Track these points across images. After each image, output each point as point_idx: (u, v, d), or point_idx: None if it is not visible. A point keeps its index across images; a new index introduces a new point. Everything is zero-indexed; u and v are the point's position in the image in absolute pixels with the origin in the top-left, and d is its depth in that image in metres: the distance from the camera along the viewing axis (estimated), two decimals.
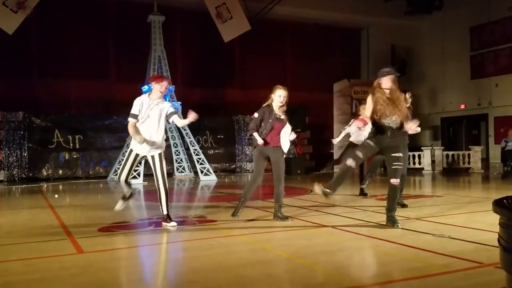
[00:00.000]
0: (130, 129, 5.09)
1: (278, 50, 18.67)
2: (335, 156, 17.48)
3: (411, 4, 18.47)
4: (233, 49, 17.51)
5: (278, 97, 5.39)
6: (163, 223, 5.22)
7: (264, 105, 5.48)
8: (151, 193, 9.24)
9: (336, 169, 7.86)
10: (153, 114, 5.12)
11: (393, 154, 4.85)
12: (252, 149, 5.53)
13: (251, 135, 5.45)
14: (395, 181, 4.86)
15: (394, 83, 4.82)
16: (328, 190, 4.77)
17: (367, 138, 4.91)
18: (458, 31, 18.07)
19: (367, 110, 4.88)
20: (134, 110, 5.11)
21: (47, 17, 14.74)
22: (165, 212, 5.21)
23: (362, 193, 7.60)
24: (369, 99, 4.87)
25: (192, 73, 17.21)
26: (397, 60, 19.35)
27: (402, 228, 4.77)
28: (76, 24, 15.14)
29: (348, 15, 18.19)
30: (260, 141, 5.31)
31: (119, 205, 5.43)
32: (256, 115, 5.44)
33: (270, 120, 5.34)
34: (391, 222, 4.88)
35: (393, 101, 4.78)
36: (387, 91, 4.80)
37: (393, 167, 4.85)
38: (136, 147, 5.18)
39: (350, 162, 4.77)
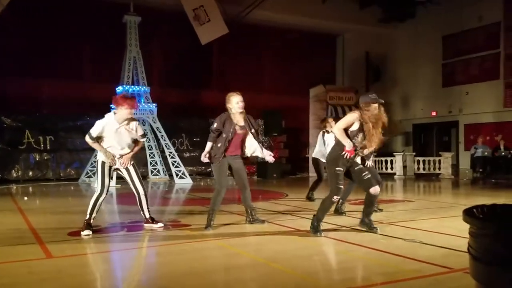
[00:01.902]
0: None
1: (255, 54, 18.70)
2: (311, 161, 17.58)
3: (385, 12, 18.80)
4: (210, 51, 17.42)
5: (236, 104, 5.19)
6: (148, 225, 5.35)
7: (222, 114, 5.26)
8: (123, 197, 9.11)
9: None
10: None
11: (356, 169, 4.85)
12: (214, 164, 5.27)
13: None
14: (374, 190, 4.77)
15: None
16: (318, 229, 4.80)
17: (334, 165, 4.74)
18: (431, 40, 18.49)
19: (343, 123, 4.71)
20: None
21: (20, 15, 14.34)
22: (147, 216, 5.37)
23: (339, 212, 6.93)
24: (356, 121, 4.67)
25: (168, 74, 17.05)
26: (371, 67, 19.66)
27: (374, 233, 4.83)
28: (50, 22, 14.78)
29: (324, 22, 18.38)
30: (204, 159, 5.16)
31: (89, 233, 4.92)
32: (215, 125, 5.21)
33: (231, 130, 5.17)
34: (370, 227, 4.94)
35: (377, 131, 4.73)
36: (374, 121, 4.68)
37: (365, 178, 4.79)
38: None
39: (335, 198, 4.78)
